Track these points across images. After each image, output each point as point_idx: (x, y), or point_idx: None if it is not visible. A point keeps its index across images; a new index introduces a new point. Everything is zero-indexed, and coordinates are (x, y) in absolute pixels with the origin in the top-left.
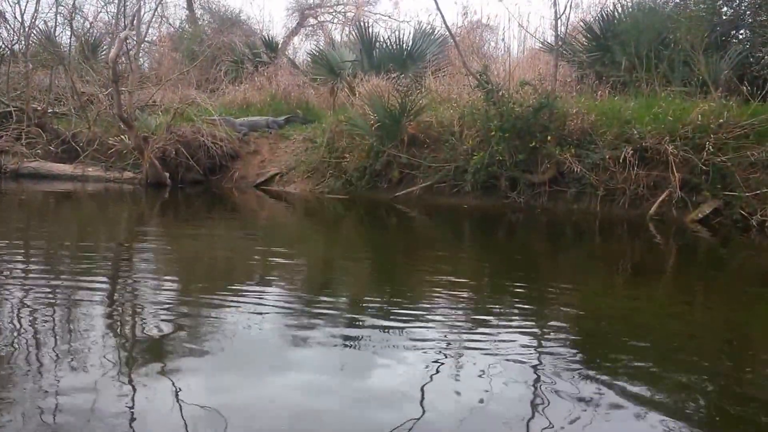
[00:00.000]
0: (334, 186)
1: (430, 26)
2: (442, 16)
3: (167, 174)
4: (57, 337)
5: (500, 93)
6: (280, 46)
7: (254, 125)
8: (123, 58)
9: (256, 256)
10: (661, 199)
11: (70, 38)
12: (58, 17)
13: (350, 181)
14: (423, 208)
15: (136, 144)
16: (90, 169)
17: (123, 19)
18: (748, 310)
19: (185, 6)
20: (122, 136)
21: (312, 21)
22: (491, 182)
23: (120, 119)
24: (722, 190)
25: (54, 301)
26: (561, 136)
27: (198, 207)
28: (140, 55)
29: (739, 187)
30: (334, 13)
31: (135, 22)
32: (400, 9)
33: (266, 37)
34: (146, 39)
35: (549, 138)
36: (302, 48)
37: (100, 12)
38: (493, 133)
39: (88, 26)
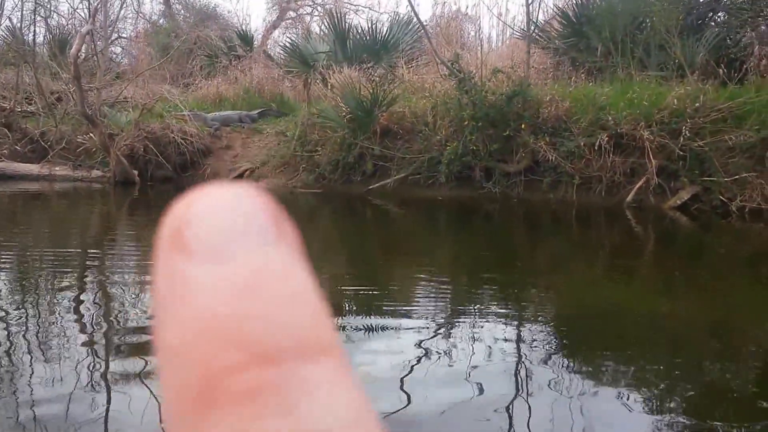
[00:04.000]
0: (307, 180)
1: (406, 16)
2: (411, 3)
3: (136, 172)
4: (37, 341)
5: (473, 81)
6: (259, 39)
7: (227, 120)
8: (100, 54)
9: None
10: (638, 186)
11: (34, 35)
12: (26, 14)
13: (323, 175)
14: (398, 200)
15: (101, 142)
16: (57, 169)
17: (87, 13)
18: (730, 296)
19: (162, 1)
20: (91, 134)
21: (292, 14)
22: (466, 173)
23: (84, 116)
24: (700, 175)
25: (31, 306)
26: (535, 124)
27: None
28: (118, 51)
29: (718, 172)
30: (313, 5)
31: (101, 16)
32: (380, 0)
33: (241, 31)
34: (122, 35)
35: (523, 126)
36: (281, 41)
37: (76, 9)
38: (466, 122)
39: (61, 23)
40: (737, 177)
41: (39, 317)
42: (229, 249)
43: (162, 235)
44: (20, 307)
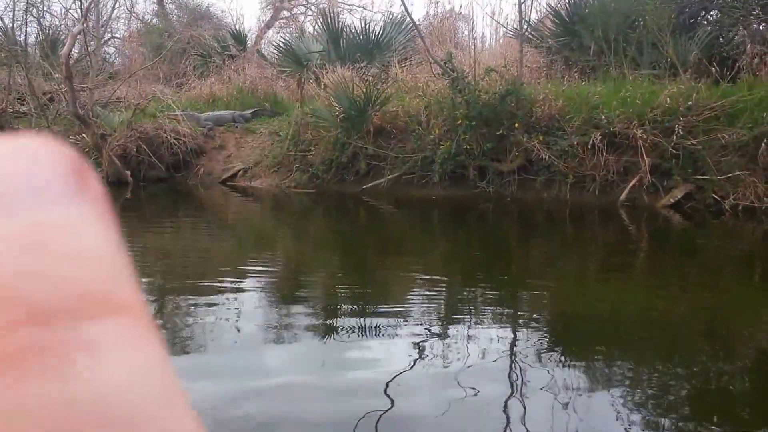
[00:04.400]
0: (300, 180)
1: (400, 16)
2: (403, 3)
3: (129, 172)
4: None
5: (466, 80)
6: (253, 39)
7: (220, 120)
8: (92, 54)
9: (225, 257)
10: (631, 184)
11: (26, 35)
12: (18, 15)
13: (317, 174)
14: (391, 200)
15: (93, 142)
16: None
17: (80, 13)
18: (724, 294)
19: (155, 1)
20: (83, 135)
21: (286, 14)
22: (460, 172)
23: (76, 117)
24: (693, 174)
25: None
26: (529, 123)
27: (160, 205)
28: (112, 51)
29: (711, 170)
30: (307, 5)
31: (94, 16)
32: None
33: (234, 30)
34: (115, 35)
35: (516, 125)
36: (275, 41)
37: (69, 9)
38: (459, 121)
39: (54, 23)
40: (730, 175)
41: None
42: (12, 204)
43: None
44: None
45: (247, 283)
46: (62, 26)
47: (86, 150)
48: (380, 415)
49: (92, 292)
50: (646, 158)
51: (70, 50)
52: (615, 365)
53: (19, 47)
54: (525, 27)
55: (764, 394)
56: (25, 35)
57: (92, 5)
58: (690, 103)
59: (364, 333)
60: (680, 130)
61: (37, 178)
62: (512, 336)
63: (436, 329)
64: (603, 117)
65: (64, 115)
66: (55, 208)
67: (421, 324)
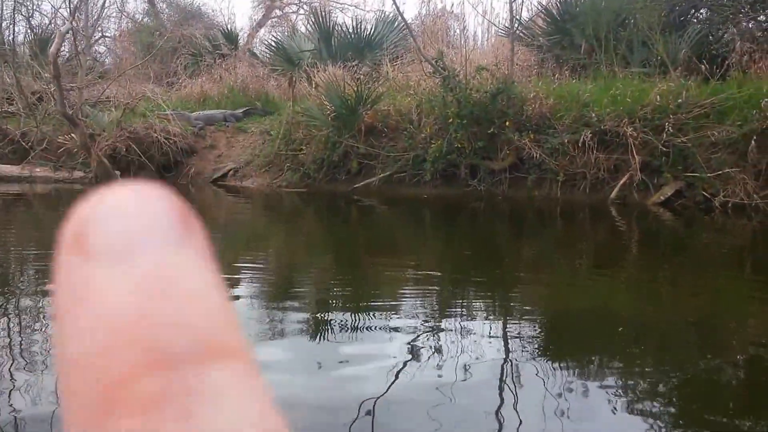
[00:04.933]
0: (291, 179)
1: (392, 15)
2: (394, 1)
3: (118, 172)
4: (18, 346)
5: (457, 79)
6: (246, 38)
7: (210, 119)
8: (81, 54)
9: (217, 256)
10: (621, 182)
11: (14, 34)
12: (7, 14)
13: (308, 174)
14: (383, 199)
15: (82, 142)
16: (38, 170)
17: (68, 11)
18: (714, 294)
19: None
20: (72, 135)
21: (277, 12)
22: (451, 171)
23: (64, 116)
24: (683, 171)
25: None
26: (520, 121)
27: None
28: (102, 50)
29: (701, 167)
30: (299, 3)
31: (83, 15)
32: None
33: (226, 29)
34: (106, 34)
35: (507, 124)
36: (267, 39)
37: (59, 9)
38: (451, 120)
39: (44, 22)
40: (720, 172)
41: (21, 322)
42: (130, 249)
43: (63, 237)
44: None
45: (240, 281)
46: (52, 25)
47: (75, 150)
48: (374, 408)
49: (209, 337)
50: (636, 156)
51: (58, 49)
52: (606, 359)
53: (8, 46)
54: (516, 25)
55: (755, 386)
56: (13, 34)
57: (81, 4)
58: (680, 100)
59: (356, 328)
60: (670, 127)
61: (151, 225)
62: (503, 331)
63: (427, 324)
64: (593, 115)
65: (53, 115)
66: (169, 253)
67: (413, 319)
